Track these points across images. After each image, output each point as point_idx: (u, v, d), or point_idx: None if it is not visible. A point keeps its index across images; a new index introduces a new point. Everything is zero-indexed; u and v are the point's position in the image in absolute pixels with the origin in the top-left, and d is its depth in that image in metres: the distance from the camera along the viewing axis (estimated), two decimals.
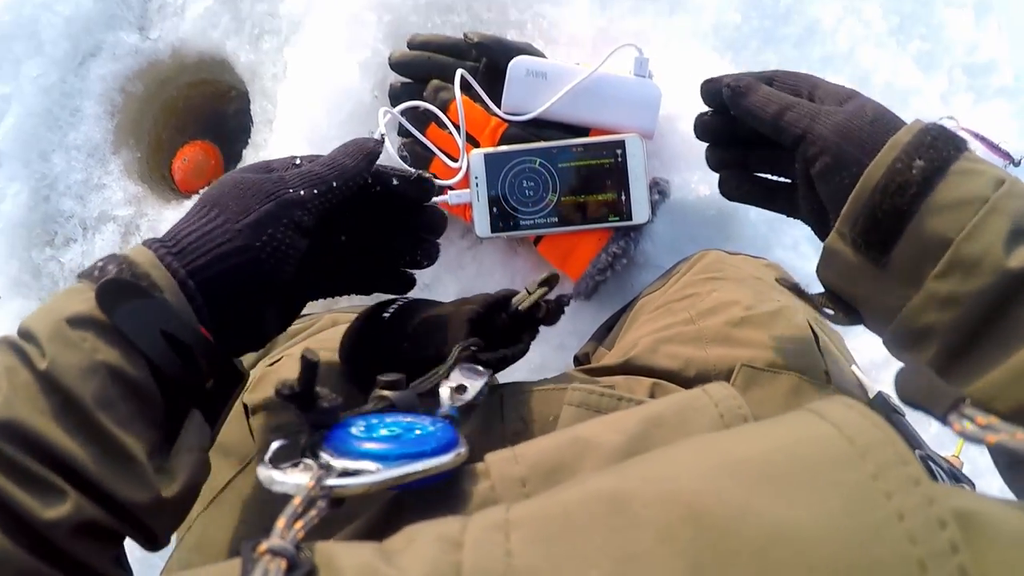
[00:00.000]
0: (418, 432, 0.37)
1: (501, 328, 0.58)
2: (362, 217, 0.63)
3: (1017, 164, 1.28)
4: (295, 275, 0.53)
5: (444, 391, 0.47)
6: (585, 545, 0.23)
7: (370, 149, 0.59)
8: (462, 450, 0.38)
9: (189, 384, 0.46)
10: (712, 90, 0.65)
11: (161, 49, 1.19)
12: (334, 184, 0.55)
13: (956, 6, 1.39)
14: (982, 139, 1.27)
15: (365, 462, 0.34)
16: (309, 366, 0.36)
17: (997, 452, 0.44)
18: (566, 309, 0.60)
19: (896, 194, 0.47)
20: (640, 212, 0.94)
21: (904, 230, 0.47)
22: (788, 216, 0.65)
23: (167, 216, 1.17)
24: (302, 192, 0.53)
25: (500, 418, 0.59)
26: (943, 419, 0.31)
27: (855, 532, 0.21)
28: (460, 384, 0.48)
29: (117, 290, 0.44)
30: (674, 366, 0.63)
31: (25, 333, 0.44)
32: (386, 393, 0.42)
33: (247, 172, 0.55)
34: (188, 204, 1.17)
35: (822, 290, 0.58)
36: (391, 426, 0.37)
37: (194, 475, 0.46)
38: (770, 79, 0.62)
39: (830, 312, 0.55)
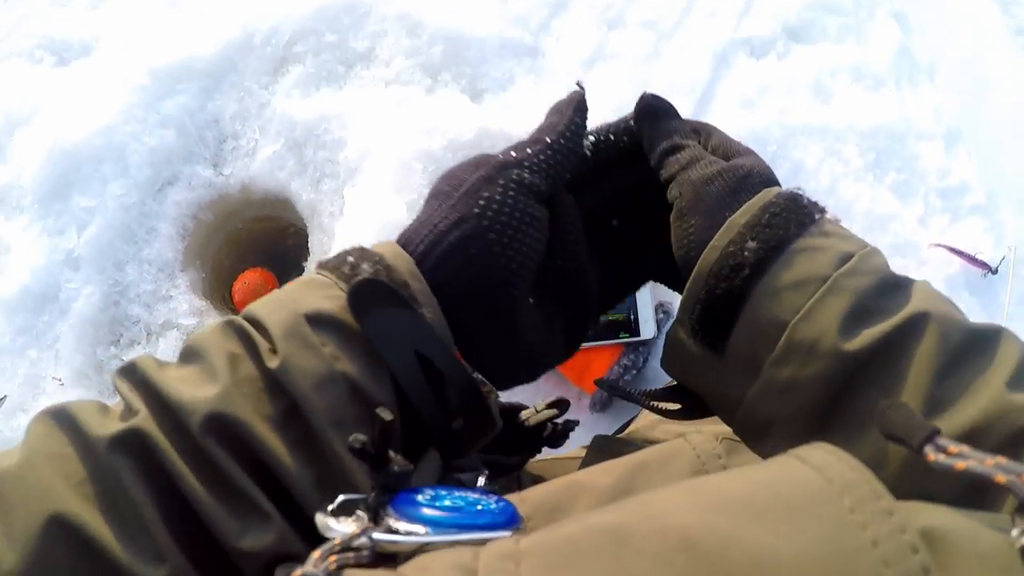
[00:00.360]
0: (479, 508, 0.36)
1: (503, 437, 0.56)
2: (622, 191, 0.54)
3: (995, 272, 1.38)
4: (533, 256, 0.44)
5: (482, 480, 0.46)
6: (590, 572, 0.24)
7: (576, 97, 0.50)
8: (509, 532, 0.35)
9: (433, 419, 0.40)
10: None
11: (232, 184, 1.37)
12: (548, 140, 0.46)
13: (927, 139, 1.56)
14: (959, 253, 1.39)
15: (417, 525, 0.33)
16: (383, 426, 0.35)
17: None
18: (577, 427, 0.60)
19: (729, 278, 0.42)
20: (647, 329, 1.10)
21: (739, 315, 0.42)
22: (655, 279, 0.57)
23: None
24: (513, 154, 0.46)
25: (517, 482, 0.61)
26: (919, 450, 0.30)
27: (833, 558, 0.23)
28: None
29: (372, 294, 0.38)
30: (669, 439, 0.63)
31: (254, 321, 0.38)
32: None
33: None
34: None
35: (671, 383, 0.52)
36: (456, 499, 0.36)
37: None
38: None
39: (673, 408, 0.50)
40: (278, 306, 0.38)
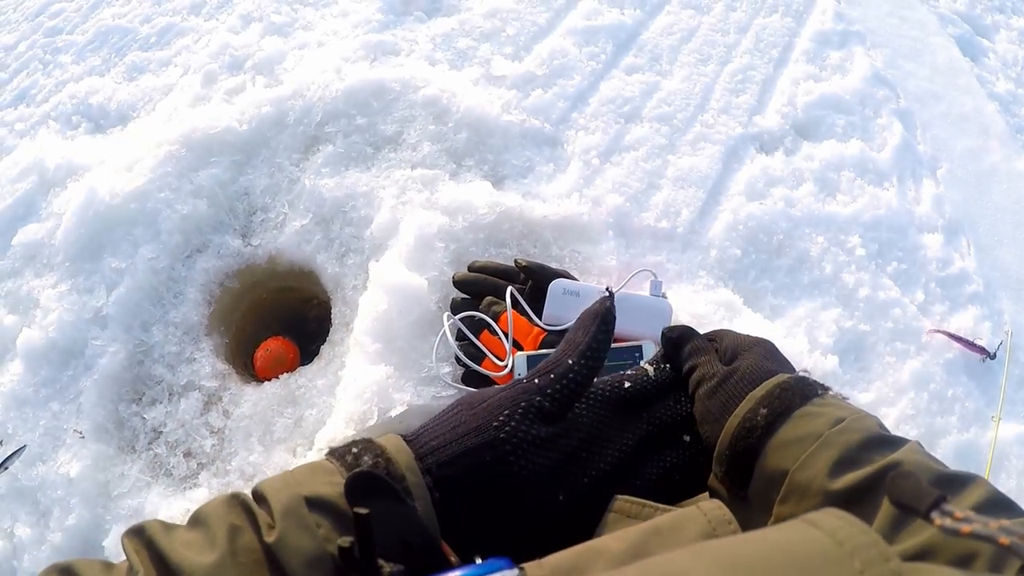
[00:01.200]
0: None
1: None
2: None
3: (993, 357, 1.42)
4: (544, 473, 0.50)
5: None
6: None
7: (601, 309, 0.57)
8: None
9: None
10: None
11: (259, 255, 1.42)
12: (570, 362, 0.53)
13: (929, 230, 1.62)
14: (958, 339, 1.43)
15: None
16: (361, 524, 0.37)
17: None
18: None
19: (746, 437, 0.52)
20: None
21: (755, 466, 0.52)
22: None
23: (247, 393, 1.36)
24: (537, 380, 0.51)
25: None
26: (926, 516, 0.31)
27: None
28: None
29: (368, 485, 0.41)
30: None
31: (259, 496, 0.42)
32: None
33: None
34: (265, 386, 1.36)
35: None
36: None
37: None
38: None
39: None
40: (283, 485, 0.42)
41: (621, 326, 1.14)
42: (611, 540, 0.47)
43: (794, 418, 0.52)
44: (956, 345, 1.43)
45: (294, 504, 0.40)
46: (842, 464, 0.48)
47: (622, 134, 1.53)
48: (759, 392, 0.55)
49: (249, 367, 1.45)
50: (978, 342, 1.43)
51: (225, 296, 1.43)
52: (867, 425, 0.52)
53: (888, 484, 0.36)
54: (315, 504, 0.41)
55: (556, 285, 1.17)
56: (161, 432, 1.37)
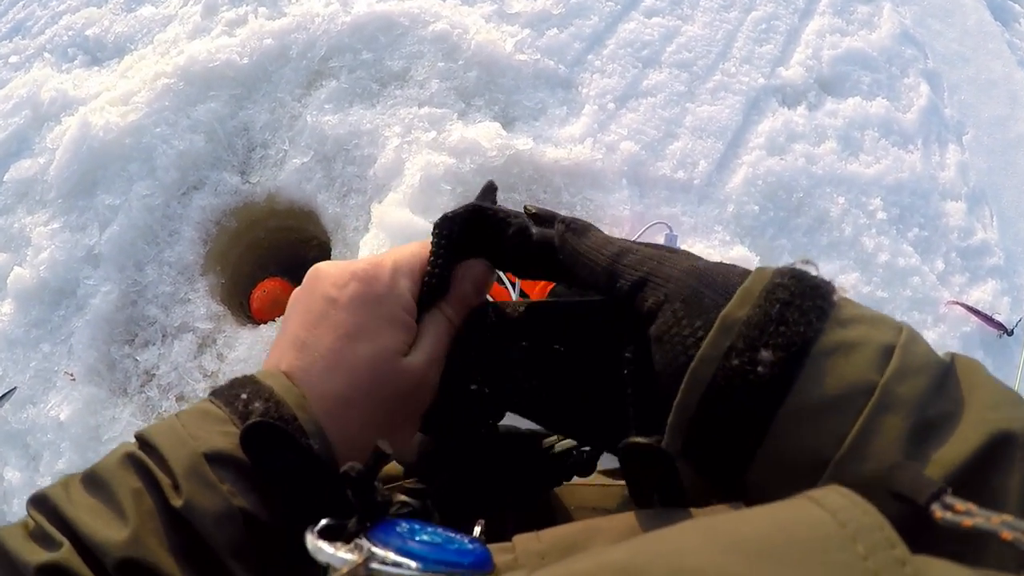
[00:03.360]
0: (456, 546, 0.37)
1: (527, 464, 0.57)
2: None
3: (1011, 334, 1.39)
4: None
5: (477, 529, 0.45)
6: None
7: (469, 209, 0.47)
8: (490, 570, 0.36)
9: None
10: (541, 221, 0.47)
11: (258, 193, 1.37)
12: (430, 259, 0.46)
13: (952, 198, 1.57)
14: (977, 312, 1.39)
15: (407, 559, 0.34)
16: (380, 456, 0.38)
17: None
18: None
19: (735, 400, 0.33)
20: None
21: (756, 452, 0.33)
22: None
23: (242, 335, 1.32)
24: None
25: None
26: (925, 508, 0.28)
27: None
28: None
29: (263, 435, 0.40)
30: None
31: (153, 452, 0.40)
32: (407, 499, 0.44)
33: None
34: (262, 329, 1.31)
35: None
36: (432, 535, 0.37)
37: None
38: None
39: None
40: (178, 441, 0.40)
41: None
42: (612, 519, 0.42)
43: (817, 359, 0.32)
44: (974, 319, 1.40)
45: (194, 462, 0.39)
46: (919, 438, 0.31)
47: (639, 79, 1.48)
48: (738, 310, 0.34)
49: (245, 308, 1.41)
50: (996, 317, 1.40)
51: (222, 235, 1.38)
52: (924, 353, 0.34)
53: (885, 475, 0.30)
54: (215, 460, 0.40)
55: None
56: (154, 375, 1.33)
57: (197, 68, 1.43)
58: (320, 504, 0.40)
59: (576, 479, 0.63)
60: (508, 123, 1.38)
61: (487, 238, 0.47)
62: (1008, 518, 0.26)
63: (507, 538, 0.42)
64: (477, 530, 0.45)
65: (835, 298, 0.35)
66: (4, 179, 1.55)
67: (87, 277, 1.37)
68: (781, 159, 1.45)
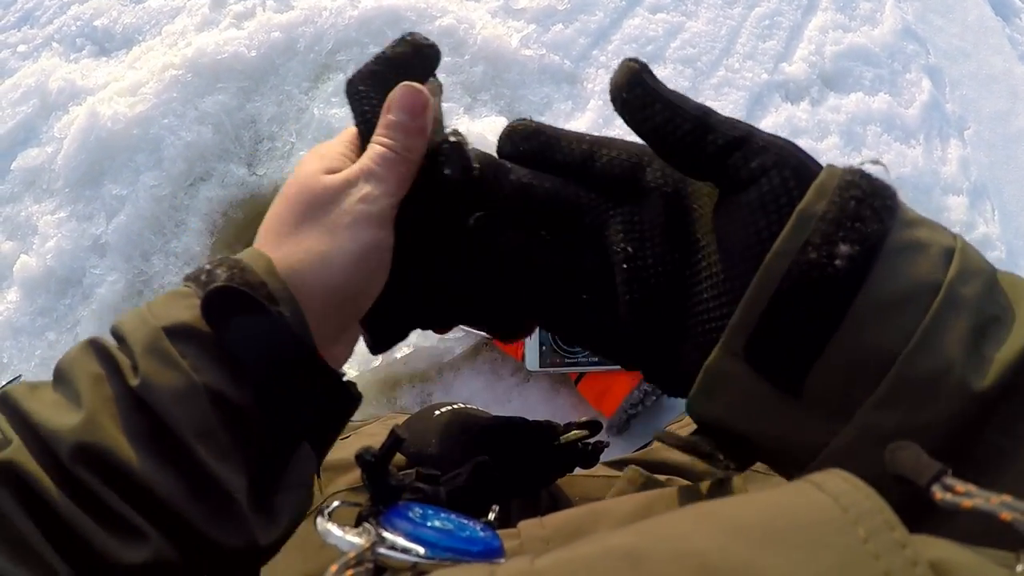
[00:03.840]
0: (467, 533, 0.37)
1: (535, 455, 0.59)
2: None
3: None
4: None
5: (491, 515, 0.47)
6: None
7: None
8: (503, 560, 0.35)
9: (299, 411, 0.40)
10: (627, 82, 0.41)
11: (264, 185, 1.38)
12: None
13: (953, 192, 1.57)
14: None
15: (416, 545, 0.34)
16: (395, 441, 0.37)
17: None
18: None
19: (811, 294, 0.32)
20: None
21: (826, 345, 0.33)
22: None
23: None
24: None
25: (534, 505, 0.64)
26: (926, 489, 0.28)
27: None
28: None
29: (226, 301, 0.37)
30: (685, 460, 0.67)
31: (117, 335, 0.39)
32: (421, 484, 0.43)
33: None
34: None
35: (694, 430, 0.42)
36: (445, 520, 0.37)
37: (297, 516, 0.41)
38: None
39: (719, 460, 0.41)
40: (140, 320, 0.38)
41: None
42: (616, 503, 0.44)
43: (889, 256, 0.32)
44: None
45: (153, 339, 0.36)
46: (978, 337, 0.32)
47: None
48: (814, 205, 0.33)
49: None
50: None
51: (228, 227, 1.39)
52: (978, 257, 0.34)
53: (887, 456, 0.31)
54: (175, 334, 0.37)
55: None
56: None
57: (205, 60, 1.43)
58: (293, 378, 0.39)
59: (580, 471, 0.64)
60: (514, 117, 1.38)
61: None
62: (1007, 498, 0.27)
63: (512, 525, 0.43)
64: (491, 516, 0.46)
65: (896, 194, 0.34)
66: (11, 168, 1.55)
67: (94, 266, 1.37)
68: None
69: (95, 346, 0.38)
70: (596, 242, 0.43)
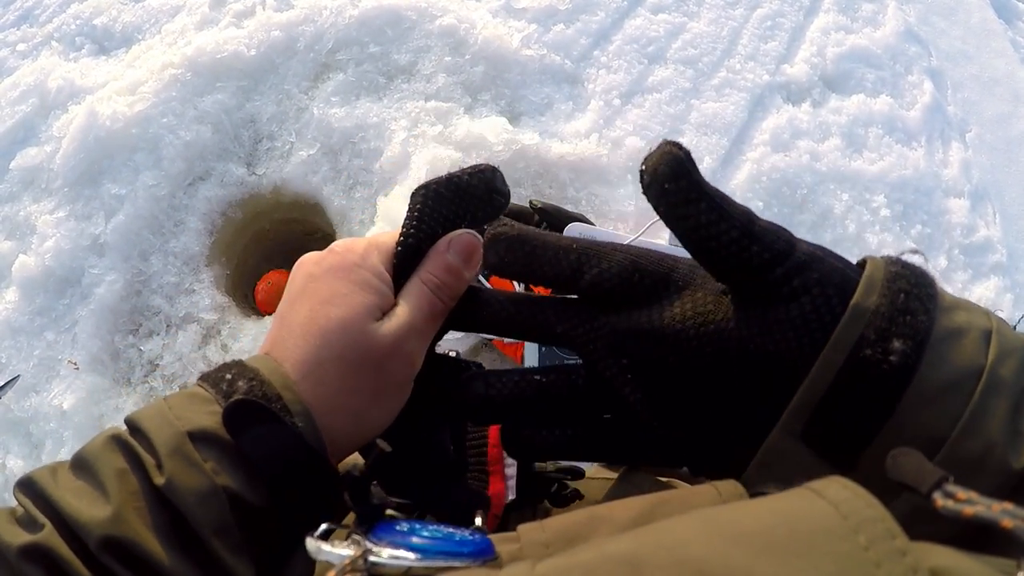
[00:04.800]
0: (458, 538, 0.37)
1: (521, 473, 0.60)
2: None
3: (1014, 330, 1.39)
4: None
5: (479, 519, 0.48)
6: None
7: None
8: (493, 559, 0.36)
9: (309, 511, 0.43)
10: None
11: (264, 184, 1.37)
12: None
13: (955, 195, 1.57)
14: None
15: (405, 552, 0.35)
16: (379, 456, 0.39)
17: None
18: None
19: (867, 384, 0.34)
20: None
21: (881, 430, 0.34)
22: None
23: (246, 327, 1.32)
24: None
25: (531, 510, 0.64)
26: (927, 497, 0.29)
27: None
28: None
29: (246, 413, 0.40)
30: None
31: (136, 430, 0.41)
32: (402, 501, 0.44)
33: None
34: (266, 320, 1.32)
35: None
36: (433, 531, 0.38)
37: None
38: None
39: None
40: (164, 422, 0.40)
41: None
42: (616, 508, 0.43)
43: (937, 345, 0.33)
44: None
45: (178, 443, 0.40)
46: (1018, 414, 0.33)
47: (645, 75, 1.48)
48: (866, 299, 0.34)
49: (250, 300, 1.41)
50: (999, 314, 1.39)
51: (227, 226, 1.39)
52: (1012, 335, 0.36)
53: (889, 463, 0.32)
54: (199, 439, 0.40)
55: (571, 229, 1.12)
56: (157, 365, 1.33)
57: (204, 59, 1.43)
58: (304, 484, 0.41)
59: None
60: (514, 118, 1.38)
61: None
62: (1008, 506, 0.27)
63: (512, 529, 0.41)
64: (479, 520, 0.47)
65: (934, 281, 0.35)
66: (10, 167, 1.55)
67: (92, 266, 1.37)
68: (785, 156, 1.45)
69: (118, 441, 0.41)
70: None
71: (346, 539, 0.37)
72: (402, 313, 0.43)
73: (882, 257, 0.35)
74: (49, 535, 0.37)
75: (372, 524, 0.38)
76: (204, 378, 0.43)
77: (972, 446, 0.33)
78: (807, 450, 0.36)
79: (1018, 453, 0.33)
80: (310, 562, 0.42)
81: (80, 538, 0.37)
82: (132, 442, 0.40)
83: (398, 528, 0.38)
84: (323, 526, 0.38)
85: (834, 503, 0.26)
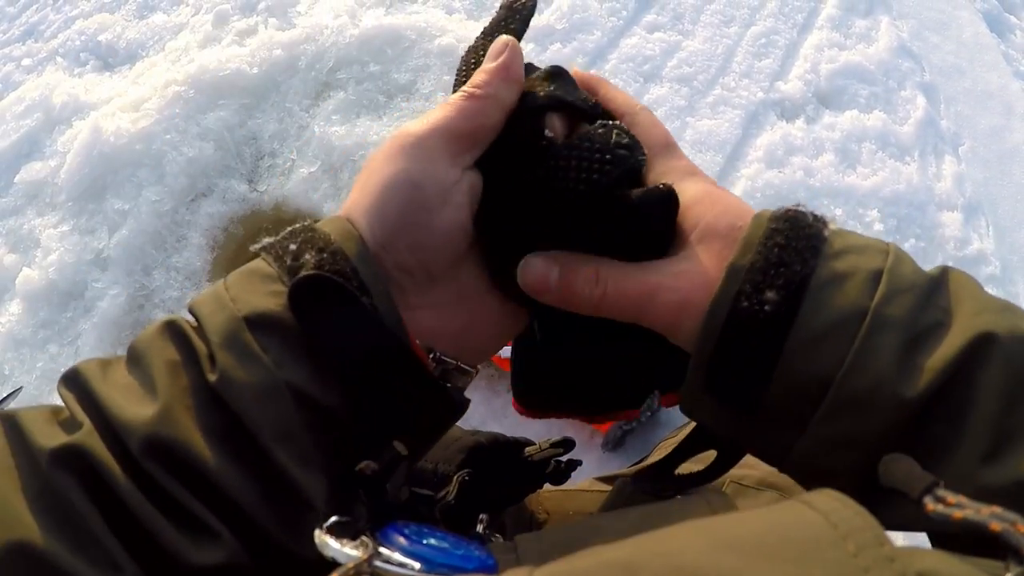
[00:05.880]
0: (462, 551, 0.36)
1: (508, 470, 0.60)
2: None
3: None
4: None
5: (479, 526, 0.48)
6: None
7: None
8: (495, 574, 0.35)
9: (392, 415, 0.38)
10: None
11: (265, 201, 1.39)
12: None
13: (948, 208, 1.59)
14: None
15: (410, 560, 0.33)
16: (394, 457, 0.37)
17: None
18: (588, 464, 0.64)
19: (748, 337, 0.36)
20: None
21: (771, 378, 0.36)
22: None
23: None
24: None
25: (529, 522, 0.65)
26: (918, 501, 0.30)
27: None
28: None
29: (315, 291, 0.35)
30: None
31: (195, 314, 0.36)
32: (418, 506, 0.43)
33: None
34: None
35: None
36: (440, 539, 0.36)
37: None
38: None
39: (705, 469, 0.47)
40: (219, 305, 0.35)
41: None
42: (612, 518, 0.44)
43: (815, 292, 0.35)
44: None
45: (234, 329, 0.34)
46: (909, 351, 0.34)
47: (641, 93, 1.50)
48: (741, 259, 0.36)
49: None
50: None
51: (229, 242, 1.41)
52: (909, 272, 0.36)
53: (880, 469, 0.34)
54: (257, 325, 0.34)
55: None
56: None
57: (207, 76, 1.45)
58: (386, 378, 0.36)
59: (572, 485, 0.67)
60: None
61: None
62: (997, 509, 0.27)
63: (508, 537, 0.44)
64: (480, 527, 0.48)
65: (826, 233, 0.36)
66: (15, 181, 1.57)
67: (95, 280, 1.39)
68: (780, 172, 1.47)
69: (172, 329, 0.36)
70: None
71: (354, 538, 0.33)
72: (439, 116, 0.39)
73: (769, 212, 0.37)
74: (87, 435, 0.33)
75: (382, 523, 0.36)
76: (267, 248, 0.38)
77: (860, 383, 0.34)
78: (713, 398, 0.38)
79: (910, 384, 0.34)
80: (399, 475, 0.40)
81: (122, 440, 0.33)
82: (186, 328, 0.35)
83: (406, 531, 0.36)
84: (333, 518, 0.34)
85: (824, 513, 0.26)
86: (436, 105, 0.42)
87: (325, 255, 0.35)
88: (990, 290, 1.11)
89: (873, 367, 0.34)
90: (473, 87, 0.39)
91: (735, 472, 0.59)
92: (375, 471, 0.36)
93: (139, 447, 0.32)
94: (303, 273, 0.34)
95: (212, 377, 0.33)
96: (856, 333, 0.34)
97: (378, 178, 0.38)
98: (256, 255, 0.38)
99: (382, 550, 0.33)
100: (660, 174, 0.42)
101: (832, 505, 0.27)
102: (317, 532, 0.33)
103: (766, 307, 0.35)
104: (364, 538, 0.33)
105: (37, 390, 1.35)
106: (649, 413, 1.11)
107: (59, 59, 1.74)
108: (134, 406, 0.33)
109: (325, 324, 0.34)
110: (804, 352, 0.35)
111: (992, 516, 0.27)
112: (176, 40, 1.65)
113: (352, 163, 1.38)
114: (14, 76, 1.77)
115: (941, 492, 0.30)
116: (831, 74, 1.65)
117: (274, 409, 0.33)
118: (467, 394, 0.44)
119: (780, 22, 1.71)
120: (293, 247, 0.36)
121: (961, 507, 0.29)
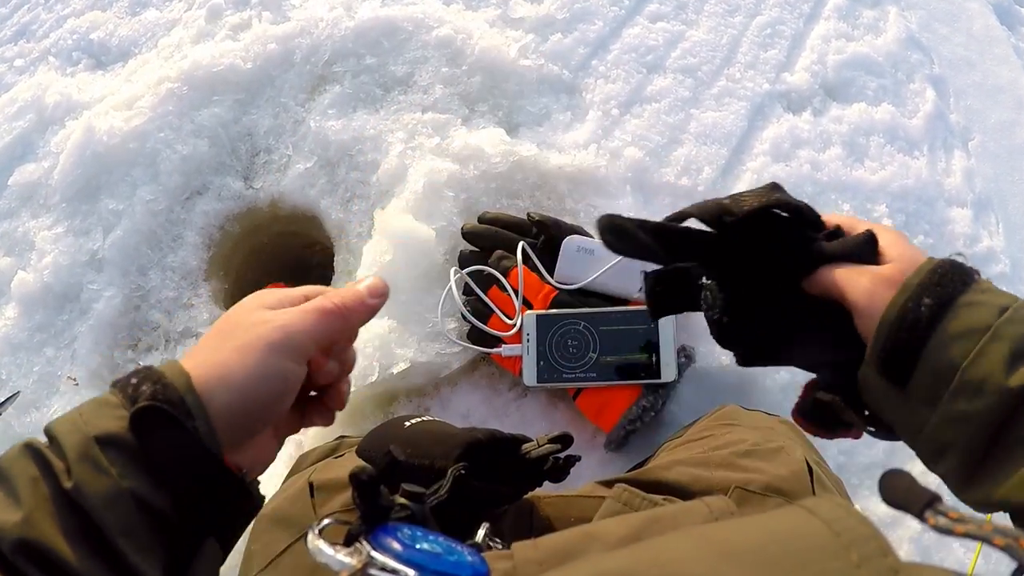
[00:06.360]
0: (455, 558, 0.38)
1: (506, 467, 0.62)
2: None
3: None
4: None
5: (480, 532, 0.51)
6: None
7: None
8: None
9: (208, 512, 0.46)
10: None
11: (261, 198, 1.37)
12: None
13: (957, 204, 1.55)
14: None
15: (404, 566, 0.36)
16: (391, 461, 0.43)
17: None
18: (590, 464, 0.64)
19: (909, 329, 0.50)
20: (668, 372, 1.06)
21: (919, 360, 0.50)
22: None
23: None
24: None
25: (528, 527, 0.67)
26: (920, 516, 0.32)
27: None
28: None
29: (151, 417, 0.43)
30: (683, 480, 0.69)
31: (52, 438, 0.44)
32: (406, 502, 0.46)
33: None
34: None
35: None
36: (433, 543, 0.39)
37: None
38: None
39: (871, 429, 0.59)
40: (73, 427, 0.43)
41: (638, 289, 1.09)
42: (609, 525, 0.47)
43: (957, 307, 0.49)
44: None
45: (85, 447, 0.42)
46: (1017, 358, 0.46)
47: (644, 84, 1.47)
48: (914, 278, 0.51)
49: None
50: None
51: (225, 240, 1.38)
52: None
53: (880, 484, 0.37)
54: (105, 443, 0.42)
55: (570, 242, 1.12)
56: None
57: (201, 73, 1.43)
58: (203, 488, 0.44)
59: (572, 490, 0.69)
60: (512, 129, 1.37)
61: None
62: (1000, 525, 0.29)
63: (506, 546, 0.46)
64: (481, 533, 0.50)
65: (977, 278, 0.52)
66: (8, 183, 1.54)
67: (91, 282, 1.36)
68: (786, 165, 1.43)
69: (31, 450, 0.43)
70: None
71: (347, 543, 0.38)
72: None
73: (941, 258, 0.53)
74: None
75: (375, 526, 0.39)
76: (114, 384, 0.46)
77: (976, 371, 0.47)
78: (880, 376, 0.52)
79: (1012, 379, 0.45)
80: (215, 563, 0.48)
81: None
82: (43, 449, 0.42)
83: (400, 535, 0.38)
84: (325, 520, 0.41)
85: (827, 521, 0.27)
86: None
87: (158, 387, 0.44)
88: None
89: (987, 362, 0.46)
90: (343, 304, 0.52)
91: (740, 477, 0.68)
92: (370, 475, 0.39)
93: (9, 548, 0.38)
94: (141, 402, 0.43)
95: (68, 485, 0.40)
96: (980, 339, 0.47)
97: (251, 360, 0.47)
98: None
99: (376, 556, 0.36)
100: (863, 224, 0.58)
101: (836, 513, 0.28)
102: (310, 537, 0.38)
103: (922, 308, 0.50)
104: (358, 545, 0.38)
105: (34, 394, 1.33)
106: (653, 413, 1.08)
107: (51, 59, 1.72)
108: (2, 514, 0.40)
109: (158, 443, 0.43)
110: (943, 346, 0.49)
111: (995, 532, 0.29)
112: (169, 36, 1.63)
113: (349, 158, 1.35)
114: (6, 78, 1.75)
115: (942, 507, 0.32)
116: (838, 65, 1.62)
117: (119, 511, 0.41)
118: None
119: (786, 12, 1.68)
120: (135, 381, 0.45)
121: (963, 522, 0.31)
